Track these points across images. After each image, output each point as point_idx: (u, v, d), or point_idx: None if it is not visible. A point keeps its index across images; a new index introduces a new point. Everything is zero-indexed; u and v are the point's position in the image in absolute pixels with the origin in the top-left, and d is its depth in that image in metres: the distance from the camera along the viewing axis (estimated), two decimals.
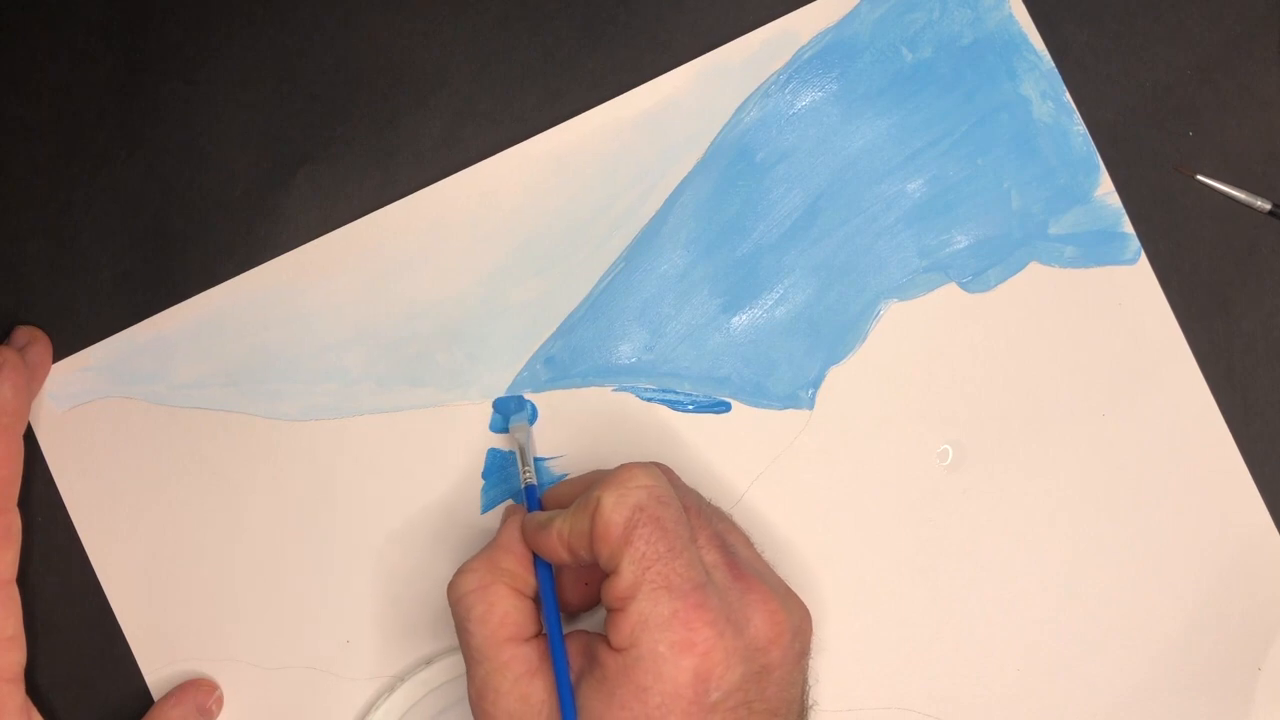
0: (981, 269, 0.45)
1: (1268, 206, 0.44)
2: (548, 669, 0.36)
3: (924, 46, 0.45)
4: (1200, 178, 0.45)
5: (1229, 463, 0.44)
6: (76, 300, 0.43)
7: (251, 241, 0.44)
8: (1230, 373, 0.45)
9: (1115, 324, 0.44)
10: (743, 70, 0.44)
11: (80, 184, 0.43)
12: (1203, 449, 0.44)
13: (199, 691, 0.42)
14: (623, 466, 0.37)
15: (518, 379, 0.44)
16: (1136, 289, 0.45)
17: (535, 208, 0.44)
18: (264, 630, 0.43)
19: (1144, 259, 0.45)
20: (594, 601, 0.41)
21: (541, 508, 0.40)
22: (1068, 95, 0.45)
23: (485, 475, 0.44)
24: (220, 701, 0.43)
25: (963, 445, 0.44)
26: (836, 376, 0.44)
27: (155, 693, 0.43)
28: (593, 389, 0.44)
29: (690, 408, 0.44)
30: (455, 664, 0.43)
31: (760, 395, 0.44)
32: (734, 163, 0.44)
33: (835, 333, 0.44)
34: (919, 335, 0.44)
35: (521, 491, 0.41)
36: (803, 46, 0.44)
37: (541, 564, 0.38)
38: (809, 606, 0.38)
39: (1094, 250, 0.45)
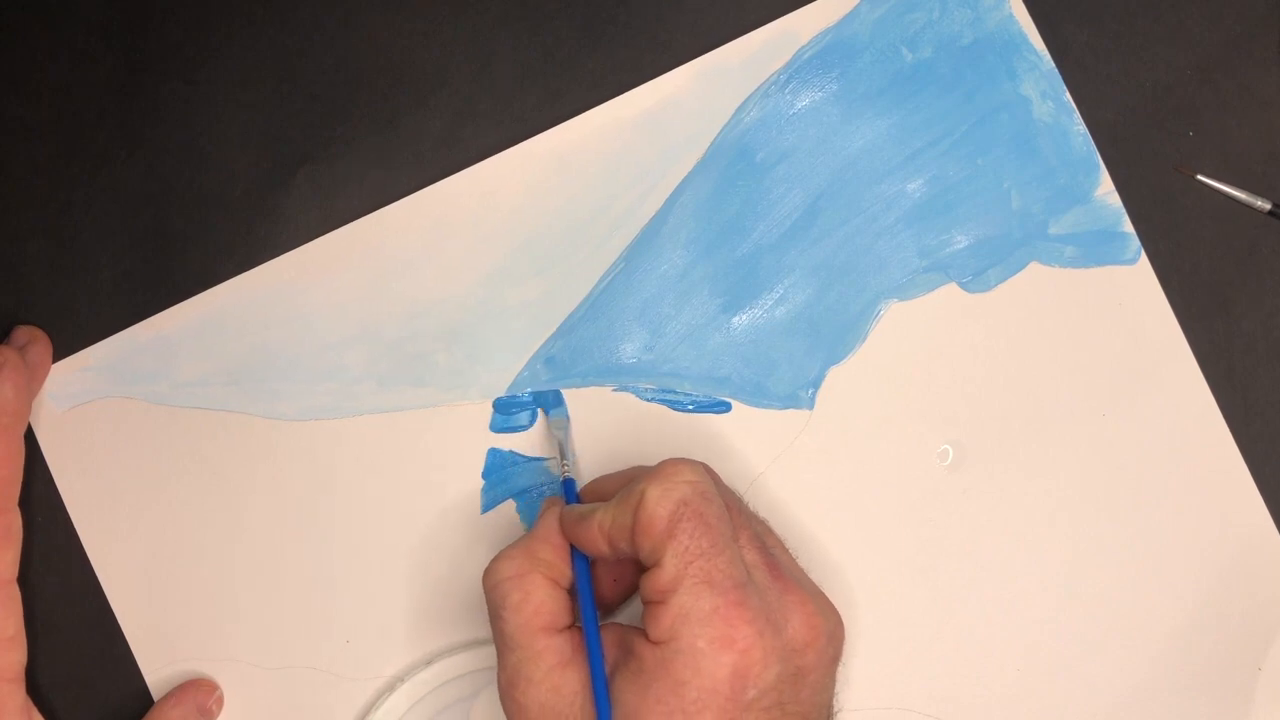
0: (981, 269, 0.45)
1: (1268, 206, 0.44)
2: (580, 661, 0.36)
3: (924, 46, 0.45)
4: (1200, 178, 0.45)
5: (1229, 463, 0.44)
6: (76, 300, 0.43)
7: (251, 241, 0.44)
8: (1230, 373, 0.45)
9: (1115, 324, 0.44)
10: (743, 70, 0.44)
11: (80, 184, 0.43)
12: (1203, 449, 0.44)
13: (199, 691, 0.42)
14: (667, 461, 0.36)
15: (518, 379, 0.44)
16: (1137, 289, 0.44)
17: (535, 208, 0.44)
18: (264, 630, 0.43)
19: (1144, 259, 0.45)
20: (624, 597, 0.41)
21: (580, 502, 0.40)
22: (1068, 95, 0.45)
23: (485, 475, 0.44)
24: (220, 701, 0.43)
25: (963, 445, 0.44)
26: (837, 376, 0.44)
27: (155, 693, 0.43)
28: (593, 389, 0.44)
29: (690, 408, 0.44)
30: (456, 664, 0.43)
31: (760, 395, 0.44)
32: (734, 163, 0.44)
33: (835, 333, 0.44)
34: (919, 335, 0.44)
35: (521, 492, 0.41)
36: (803, 46, 0.44)
37: (579, 556, 0.38)
38: None
39: (1094, 250, 0.45)
